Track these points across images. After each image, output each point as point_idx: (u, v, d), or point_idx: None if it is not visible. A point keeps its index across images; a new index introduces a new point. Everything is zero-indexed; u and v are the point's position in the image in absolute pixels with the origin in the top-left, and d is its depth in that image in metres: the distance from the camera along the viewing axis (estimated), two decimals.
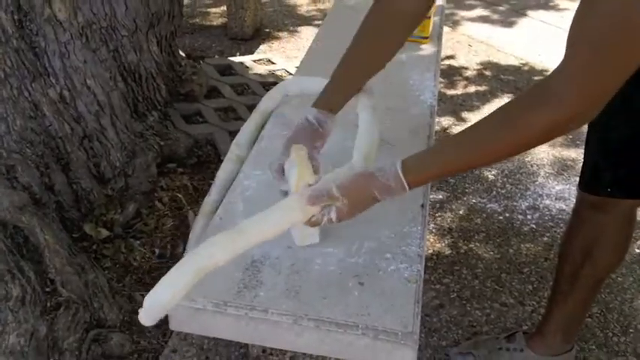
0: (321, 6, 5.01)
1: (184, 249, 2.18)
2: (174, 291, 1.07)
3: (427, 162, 1.13)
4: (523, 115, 1.01)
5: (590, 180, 1.68)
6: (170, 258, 2.24)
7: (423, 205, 1.42)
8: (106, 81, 2.40)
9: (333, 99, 1.36)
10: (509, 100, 1.08)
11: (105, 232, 2.28)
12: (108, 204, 2.36)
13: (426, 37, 2.14)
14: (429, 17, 2.15)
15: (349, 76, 1.40)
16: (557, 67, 1.00)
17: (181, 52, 3.25)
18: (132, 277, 2.17)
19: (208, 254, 1.09)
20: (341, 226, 1.32)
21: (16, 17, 2.13)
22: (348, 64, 1.40)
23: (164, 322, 1.97)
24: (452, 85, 3.81)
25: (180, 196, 2.48)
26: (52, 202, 2.19)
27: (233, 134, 2.84)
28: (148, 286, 2.14)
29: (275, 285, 1.18)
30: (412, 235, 1.33)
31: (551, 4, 5.16)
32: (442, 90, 3.66)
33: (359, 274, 1.22)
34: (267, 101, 1.70)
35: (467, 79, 3.90)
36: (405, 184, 1.10)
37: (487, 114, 1.08)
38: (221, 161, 2.64)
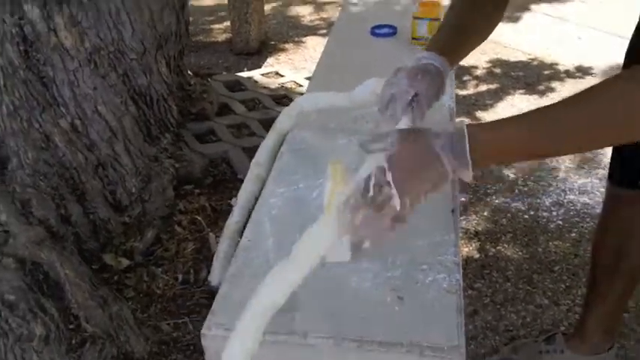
0: (324, 15, 4.98)
1: (208, 272, 2.14)
2: (247, 348, 1.01)
3: (505, 137, 0.94)
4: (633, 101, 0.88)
5: (621, 174, 1.63)
6: (194, 283, 2.20)
7: (453, 211, 1.38)
8: (117, 106, 2.37)
9: (452, 55, 1.24)
10: (609, 79, 0.92)
11: (125, 262, 2.25)
12: (126, 232, 2.32)
13: None
14: (438, 19, 2.11)
15: (460, 41, 1.30)
16: None
17: (189, 71, 3.22)
18: (156, 306, 2.12)
19: (268, 298, 1.03)
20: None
21: (22, 48, 2.11)
22: (456, 32, 1.30)
23: (195, 351, 1.93)
24: (463, 85, 3.76)
25: (199, 218, 2.44)
26: (70, 235, 2.16)
27: (247, 151, 2.82)
28: (174, 315, 2.11)
29: (311, 307, 1.13)
30: (446, 243, 1.30)
31: None
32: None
33: (396, 288, 1.17)
34: (284, 120, 1.65)
35: (477, 78, 3.86)
36: (470, 166, 0.93)
37: (536, 104, 0.96)
38: (238, 179, 2.63)
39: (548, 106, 0.94)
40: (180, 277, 2.22)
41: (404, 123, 1.14)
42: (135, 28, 2.41)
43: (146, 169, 2.44)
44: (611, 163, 1.67)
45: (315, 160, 1.55)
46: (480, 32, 1.34)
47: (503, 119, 0.96)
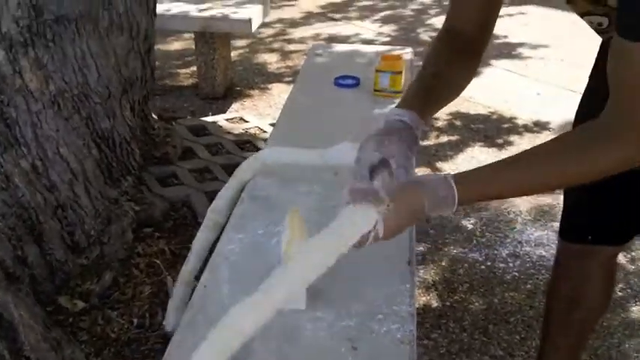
0: (290, 63, 5.06)
1: (163, 317, 2.12)
2: None
3: (480, 180, 1.09)
4: (587, 154, 1.03)
5: (570, 228, 1.67)
6: (149, 327, 2.17)
7: (409, 262, 1.40)
8: (79, 148, 2.36)
9: (423, 109, 1.26)
10: (568, 133, 1.08)
11: (81, 304, 2.21)
12: (83, 274, 2.29)
13: (399, 92, 2.16)
14: (400, 73, 2.18)
15: (433, 94, 1.32)
16: (611, 103, 1.01)
17: (154, 115, 3.23)
18: (110, 350, 2.09)
19: (236, 326, 1.01)
20: (328, 288, 1.30)
21: None
22: (429, 88, 1.32)
23: None
24: (424, 135, 3.83)
25: (157, 261, 2.42)
26: (26, 276, 2.13)
27: (209, 195, 2.82)
28: (127, 359, 2.08)
29: (266, 355, 1.14)
30: (402, 293, 1.31)
31: (514, 52, 5.27)
32: None
33: (351, 337, 1.19)
34: (245, 171, 1.66)
35: (438, 129, 3.94)
36: (456, 197, 1.05)
37: (527, 147, 1.09)
38: (198, 223, 2.61)
39: (514, 158, 1.10)
40: (135, 321, 2.19)
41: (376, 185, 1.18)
42: (100, 73, 2.43)
43: (106, 211, 2.43)
44: (562, 218, 1.72)
45: (275, 207, 1.56)
46: (456, 84, 1.35)
47: (479, 170, 1.10)
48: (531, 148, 1.09)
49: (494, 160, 1.11)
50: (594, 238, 1.60)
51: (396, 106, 1.27)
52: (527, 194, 1.22)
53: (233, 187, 1.64)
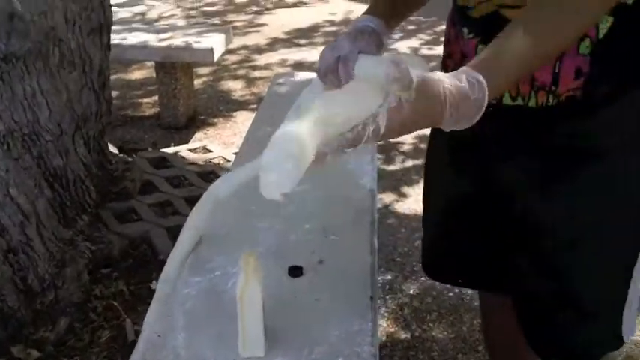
0: (255, 90, 5.02)
1: None
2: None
3: (503, 69, 0.95)
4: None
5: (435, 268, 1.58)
6: None
7: (372, 298, 1.35)
8: (30, 189, 2.28)
9: (391, 21, 1.22)
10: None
11: (35, 354, 2.11)
12: (37, 320, 2.20)
13: None
14: None
15: (397, 7, 1.27)
16: None
17: (112, 148, 3.16)
18: None
19: None
20: (287, 330, 1.24)
21: None
22: None
23: None
24: (390, 160, 3.81)
25: (115, 303, 2.33)
26: None
27: (170, 230, 2.74)
28: None
29: None
30: (363, 332, 1.26)
31: None
32: (381, 166, 3.65)
33: None
34: (197, 217, 1.42)
35: (404, 153, 3.92)
36: (485, 87, 0.90)
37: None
38: (158, 260, 2.55)
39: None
40: None
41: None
42: (52, 110, 2.36)
43: (60, 253, 2.34)
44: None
45: (233, 245, 1.51)
46: None
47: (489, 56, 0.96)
48: (524, 21, 0.97)
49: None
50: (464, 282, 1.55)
51: (363, 14, 1.22)
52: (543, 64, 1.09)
53: (187, 242, 1.36)
